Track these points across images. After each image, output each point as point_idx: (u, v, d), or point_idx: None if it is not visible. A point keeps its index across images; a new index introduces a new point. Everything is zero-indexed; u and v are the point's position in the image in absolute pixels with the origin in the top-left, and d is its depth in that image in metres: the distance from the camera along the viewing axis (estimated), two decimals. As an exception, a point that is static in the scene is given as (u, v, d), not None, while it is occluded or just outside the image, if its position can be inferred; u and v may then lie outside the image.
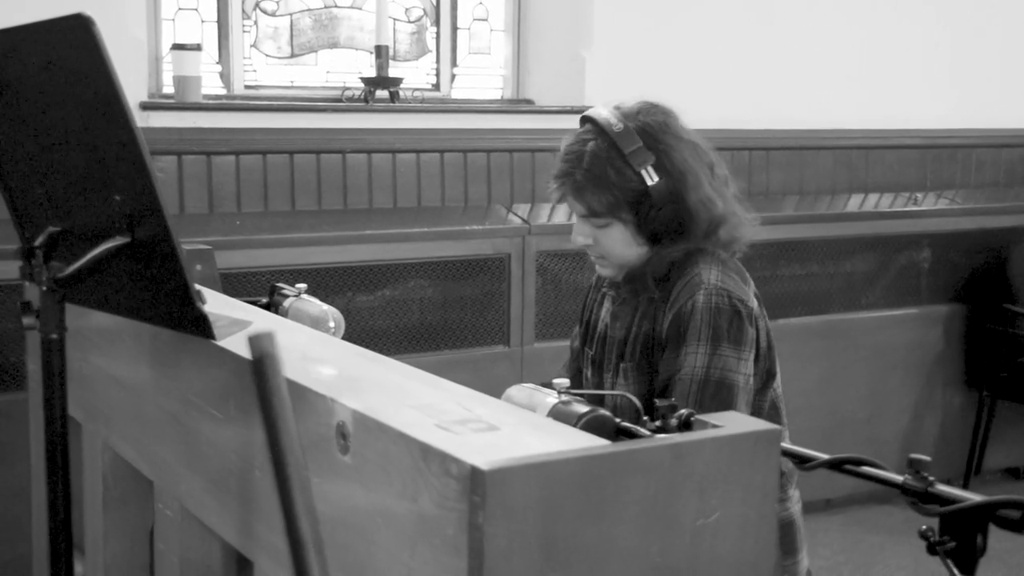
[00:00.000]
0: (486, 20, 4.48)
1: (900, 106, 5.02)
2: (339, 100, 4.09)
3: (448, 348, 3.79)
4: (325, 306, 2.12)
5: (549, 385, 1.52)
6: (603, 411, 1.40)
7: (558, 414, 1.43)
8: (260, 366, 0.87)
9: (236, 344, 1.41)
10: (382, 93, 4.06)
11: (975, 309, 4.81)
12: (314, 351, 1.46)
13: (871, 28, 4.97)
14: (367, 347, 3.51)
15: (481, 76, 4.48)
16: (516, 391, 1.52)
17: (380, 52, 4.02)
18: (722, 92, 4.53)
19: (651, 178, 1.96)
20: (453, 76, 4.41)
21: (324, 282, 3.51)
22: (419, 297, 3.75)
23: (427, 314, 3.77)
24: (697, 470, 1.07)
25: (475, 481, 0.98)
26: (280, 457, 0.87)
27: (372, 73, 4.09)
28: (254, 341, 0.87)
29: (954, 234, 4.78)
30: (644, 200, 1.98)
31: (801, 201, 4.86)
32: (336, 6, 4.20)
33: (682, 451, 1.07)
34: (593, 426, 1.39)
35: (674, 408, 1.36)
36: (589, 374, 2.20)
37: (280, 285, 2.23)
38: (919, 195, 5.02)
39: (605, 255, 2.09)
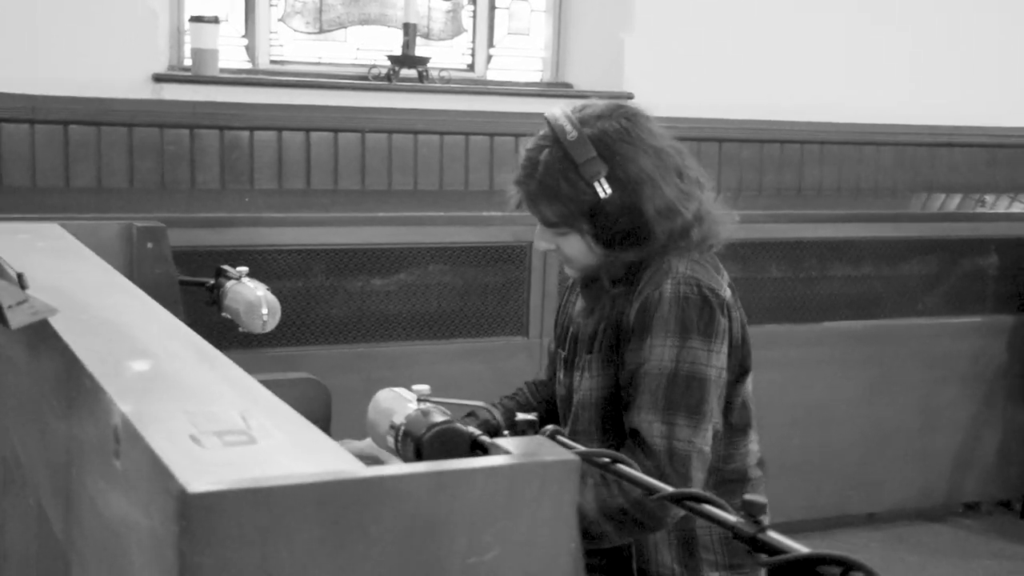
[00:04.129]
0: (527, 0, 4.34)
1: (969, 102, 4.76)
2: (365, 78, 3.99)
3: (465, 337, 3.68)
4: (262, 292, 2.05)
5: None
6: (458, 424, 1.27)
7: (411, 422, 1.32)
8: None
9: (73, 335, 1.31)
10: (410, 72, 3.94)
11: (1044, 320, 4.52)
12: (149, 344, 1.35)
13: (938, 18, 4.71)
14: (382, 332, 3.46)
15: (519, 58, 4.34)
16: (383, 394, 1.42)
17: (408, 30, 3.91)
18: (770, 81, 4.33)
19: (604, 191, 1.87)
20: (489, 57, 4.28)
21: (338, 264, 3.42)
22: (437, 283, 3.64)
23: (445, 301, 3.65)
24: (466, 503, 0.93)
25: (183, 503, 0.87)
26: None
27: (401, 51, 3.98)
28: None
29: (1024, 240, 4.50)
30: (598, 212, 1.90)
31: (857, 199, 4.64)
32: (369, -19, 4.11)
33: (444, 480, 0.93)
34: (443, 438, 1.27)
35: (533, 424, 1.23)
36: (561, 375, 2.12)
37: (225, 268, 2.16)
38: (987, 197, 4.75)
39: (568, 260, 2.02)
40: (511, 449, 1.00)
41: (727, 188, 4.44)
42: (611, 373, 1.95)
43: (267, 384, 2.41)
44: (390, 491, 0.91)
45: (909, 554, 4.17)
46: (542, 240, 2.01)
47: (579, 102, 1.98)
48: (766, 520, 1.01)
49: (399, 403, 1.36)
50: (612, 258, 1.94)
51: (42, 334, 1.42)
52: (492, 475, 0.94)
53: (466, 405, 1.46)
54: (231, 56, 3.81)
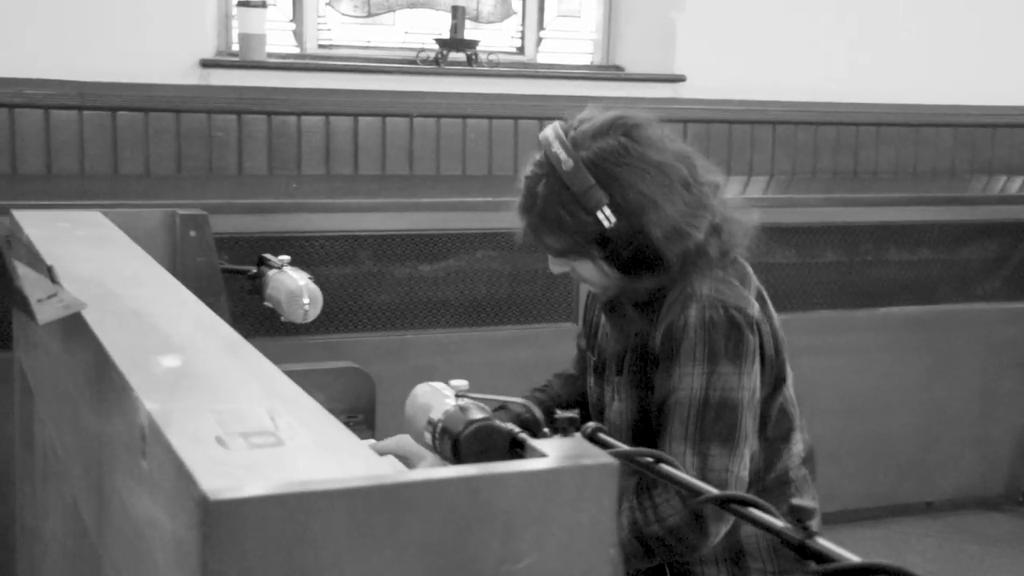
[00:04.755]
0: (578, -19, 4.29)
1: (1031, 81, 4.64)
2: (414, 62, 3.95)
3: (513, 323, 3.64)
4: (303, 281, 2.03)
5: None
6: (496, 421, 1.24)
7: (449, 419, 1.28)
8: None
9: (103, 328, 1.29)
10: (458, 56, 3.90)
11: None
12: (180, 338, 1.32)
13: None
14: (430, 319, 3.43)
15: (570, 40, 4.28)
16: (421, 389, 1.39)
17: (456, 13, 3.87)
18: (823, 62, 4.24)
19: (608, 220, 1.77)
20: (539, 40, 4.23)
21: (386, 250, 3.39)
22: (486, 269, 3.59)
23: (493, 287, 3.61)
24: (500, 508, 0.89)
25: (205, 511, 0.84)
26: None
27: (449, 35, 3.94)
28: None
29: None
30: (606, 240, 1.80)
31: (914, 181, 4.53)
32: (418, -36, 4.07)
33: (477, 486, 0.89)
34: (481, 435, 1.23)
35: (574, 421, 1.19)
36: (591, 382, 2.06)
37: (267, 256, 2.14)
38: (1050, 179, 4.63)
39: (585, 282, 1.93)
40: (548, 451, 0.96)
41: (781, 172, 4.37)
42: (641, 397, 1.89)
43: (311, 373, 2.41)
44: (420, 497, 0.87)
45: (967, 544, 4.09)
46: (555, 265, 1.92)
47: (577, 116, 1.87)
48: (815, 525, 0.97)
49: (437, 398, 1.32)
50: (630, 284, 1.86)
51: (74, 327, 1.40)
52: (527, 479, 0.90)
53: (505, 401, 1.42)
54: (279, 41, 3.79)
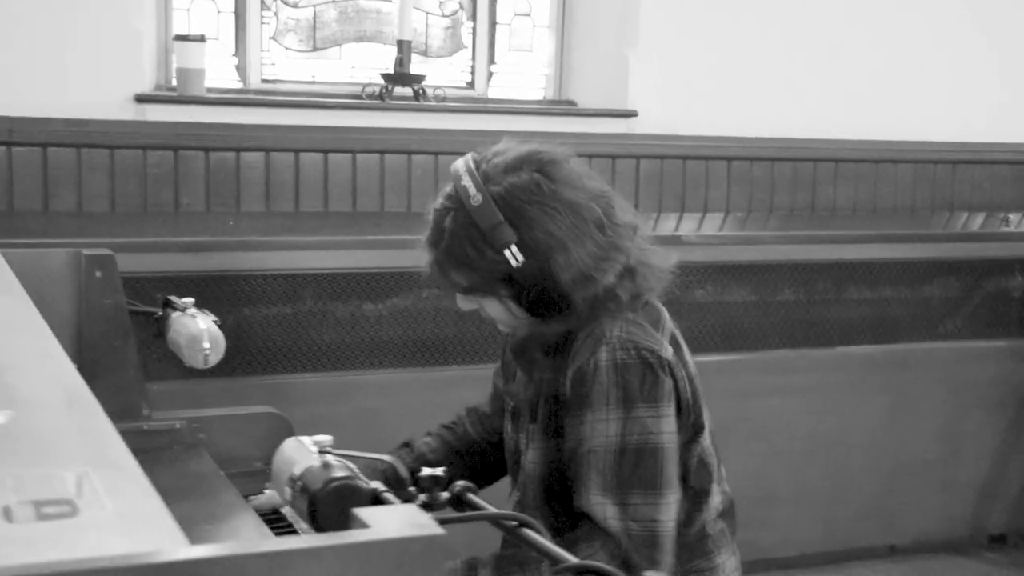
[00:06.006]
0: (529, 15, 4.21)
1: (991, 118, 4.58)
2: (359, 97, 3.87)
3: (460, 364, 3.54)
4: (205, 325, 1.94)
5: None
6: (358, 480, 1.14)
7: (309, 475, 1.19)
8: None
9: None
10: (404, 91, 3.83)
11: (1073, 345, 4.32)
12: (18, 390, 1.23)
13: (957, 31, 4.54)
14: (373, 359, 3.33)
15: (522, 75, 4.21)
16: (288, 443, 1.30)
17: (401, 47, 3.80)
18: (781, 98, 4.18)
19: (515, 259, 1.70)
20: (490, 75, 4.16)
21: (329, 288, 3.30)
22: (432, 308, 3.50)
23: (439, 327, 3.52)
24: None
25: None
26: None
27: (395, 69, 3.86)
28: None
29: (1052, 261, 4.31)
30: (512, 279, 1.74)
31: (874, 218, 4.47)
32: (362, -2, 4.00)
33: (279, 562, 0.80)
34: (341, 495, 1.14)
35: (439, 480, 1.10)
36: (509, 428, 1.96)
37: (171, 298, 2.05)
38: (1012, 215, 4.57)
39: (493, 321, 1.86)
40: (373, 522, 0.87)
41: (737, 208, 4.30)
42: (553, 446, 1.80)
43: (227, 419, 2.30)
44: (217, 574, 0.78)
45: (931, 589, 4.00)
46: (461, 303, 1.86)
47: (491, 148, 1.82)
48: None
49: (302, 453, 1.23)
50: (537, 327, 1.79)
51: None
52: (337, 554, 0.81)
53: (370, 458, 1.33)
54: (222, 76, 3.70)
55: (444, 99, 3.94)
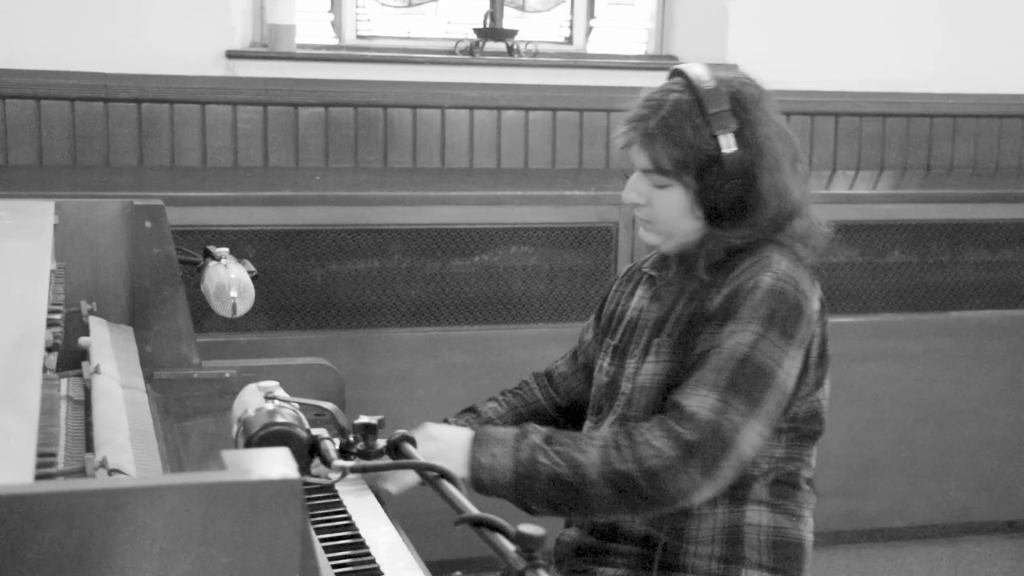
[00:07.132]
0: (630, -31, 4.13)
1: None
2: (452, 52, 3.85)
3: (547, 321, 3.51)
4: (235, 274, 1.95)
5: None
6: (295, 427, 1.14)
7: (250, 420, 1.18)
8: None
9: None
10: (497, 46, 3.78)
11: None
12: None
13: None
14: (460, 315, 3.32)
15: (622, 30, 4.12)
16: (249, 388, 1.30)
17: (494, 2, 3.75)
18: (889, 50, 3.99)
19: (729, 146, 1.77)
20: (590, 29, 4.08)
21: (417, 244, 3.30)
22: (520, 265, 3.47)
23: (527, 284, 3.49)
24: (153, 526, 0.79)
25: None
26: None
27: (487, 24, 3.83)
28: None
29: None
30: (714, 168, 1.79)
31: (995, 177, 4.24)
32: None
33: (122, 500, 0.79)
34: (275, 441, 1.13)
35: (372, 428, 1.10)
36: (605, 363, 1.98)
37: (211, 248, 2.08)
38: None
39: (655, 220, 1.88)
40: (227, 463, 0.84)
41: (844, 166, 4.13)
42: (678, 360, 1.83)
43: (277, 369, 2.31)
44: (50, 511, 0.77)
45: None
46: (634, 190, 1.87)
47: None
48: (541, 556, 0.84)
49: (256, 398, 1.23)
50: (711, 235, 1.83)
51: None
52: (184, 494, 0.79)
53: (313, 405, 1.32)
54: (319, 32, 3.72)
55: (537, 54, 3.88)
